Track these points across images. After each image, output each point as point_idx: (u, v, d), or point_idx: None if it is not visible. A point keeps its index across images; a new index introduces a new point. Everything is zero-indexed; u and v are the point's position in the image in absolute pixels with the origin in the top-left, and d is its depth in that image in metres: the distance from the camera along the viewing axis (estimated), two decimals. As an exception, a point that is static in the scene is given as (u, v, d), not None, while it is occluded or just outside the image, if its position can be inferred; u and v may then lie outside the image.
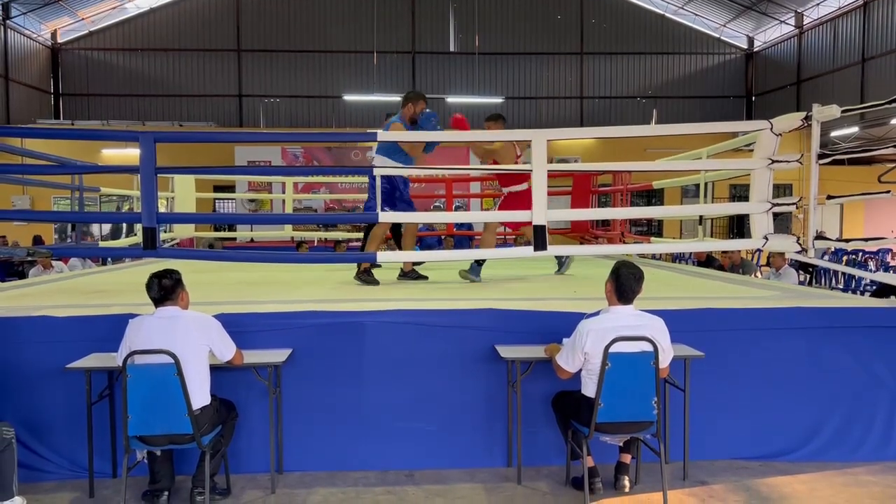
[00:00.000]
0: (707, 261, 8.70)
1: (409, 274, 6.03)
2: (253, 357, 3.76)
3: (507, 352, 3.89)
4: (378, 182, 5.24)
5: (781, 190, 15.36)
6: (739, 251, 7.86)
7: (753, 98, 25.35)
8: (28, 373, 3.96)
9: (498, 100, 23.37)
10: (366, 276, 5.73)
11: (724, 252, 8.17)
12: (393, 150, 5.55)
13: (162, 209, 8.14)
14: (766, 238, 4.84)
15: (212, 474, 3.55)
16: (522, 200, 5.51)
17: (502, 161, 5.75)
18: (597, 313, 3.61)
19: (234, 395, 3.89)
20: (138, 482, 3.74)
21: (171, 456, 3.70)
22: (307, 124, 23.70)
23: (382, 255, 5.36)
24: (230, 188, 16.74)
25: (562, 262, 6.60)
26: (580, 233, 9.81)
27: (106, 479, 3.91)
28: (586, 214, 8.84)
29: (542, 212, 4.68)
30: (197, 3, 23.92)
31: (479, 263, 6.00)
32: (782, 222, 8.14)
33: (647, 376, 3.39)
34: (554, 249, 5.12)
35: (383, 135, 5.30)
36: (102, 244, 11.23)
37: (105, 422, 3.87)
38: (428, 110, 5.66)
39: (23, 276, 9.80)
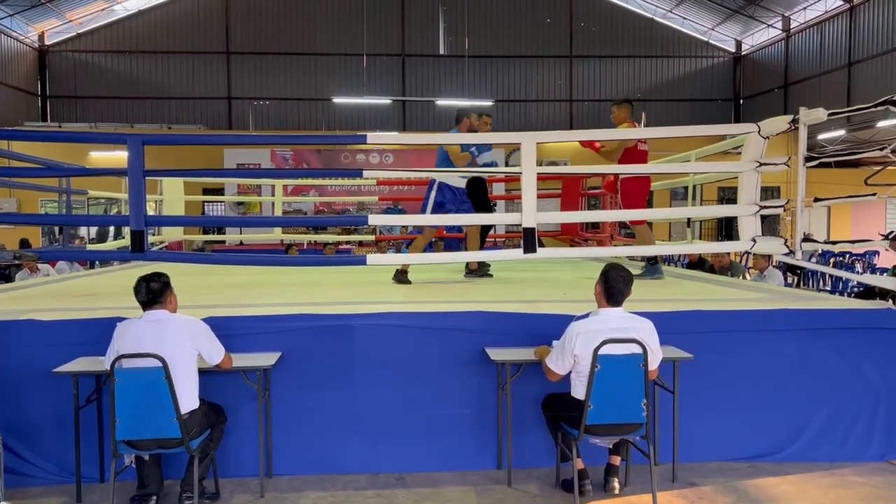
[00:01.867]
0: (699, 262, 8.87)
1: (475, 272, 6.42)
2: (242, 360, 3.75)
3: (496, 354, 3.89)
4: (433, 194, 5.79)
5: (769, 192, 15.46)
6: (728, 254, 7.92)
7: (741, 101, 25.55)
8: (14, 377, 3.93)
9: (488, 102, 23.40)
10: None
11: (714, 255, 8.26)
12: (444, 163, 5.89)
13: (150, 212, 8.10)
14: (754, 240, 4.87)
15: (200, 479, 3.54)
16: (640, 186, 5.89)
17: (620, 155, 5.87)
18: (586, 315, 3.62)
19: (223, 398, 3.87)
20: (126, 487, 3.71)
21: (160, 460, 3.68)
22: (297, 127, 23.66)
23: (372, 258, 5.36)
24: (219, 191, 16.69)
25: (652, 265, 6.18)
26: (570, 235, 9.84)
27: (93, 484, 3.88)
28: (576, 217, 8.85)
29: (531, 214, 4.69)
30: (185, 5, 23.85)
31: (651, 262, 6.14)
32: (770, 224, 8.19)
33: (637, 378, 3.40)
34: (544, 252, 5.13)
35: (373, 136, 5.34)
36: (90, 247, 11.15)
37: (92, 426, 3.85)
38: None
39: (9, 279, 9.70)
